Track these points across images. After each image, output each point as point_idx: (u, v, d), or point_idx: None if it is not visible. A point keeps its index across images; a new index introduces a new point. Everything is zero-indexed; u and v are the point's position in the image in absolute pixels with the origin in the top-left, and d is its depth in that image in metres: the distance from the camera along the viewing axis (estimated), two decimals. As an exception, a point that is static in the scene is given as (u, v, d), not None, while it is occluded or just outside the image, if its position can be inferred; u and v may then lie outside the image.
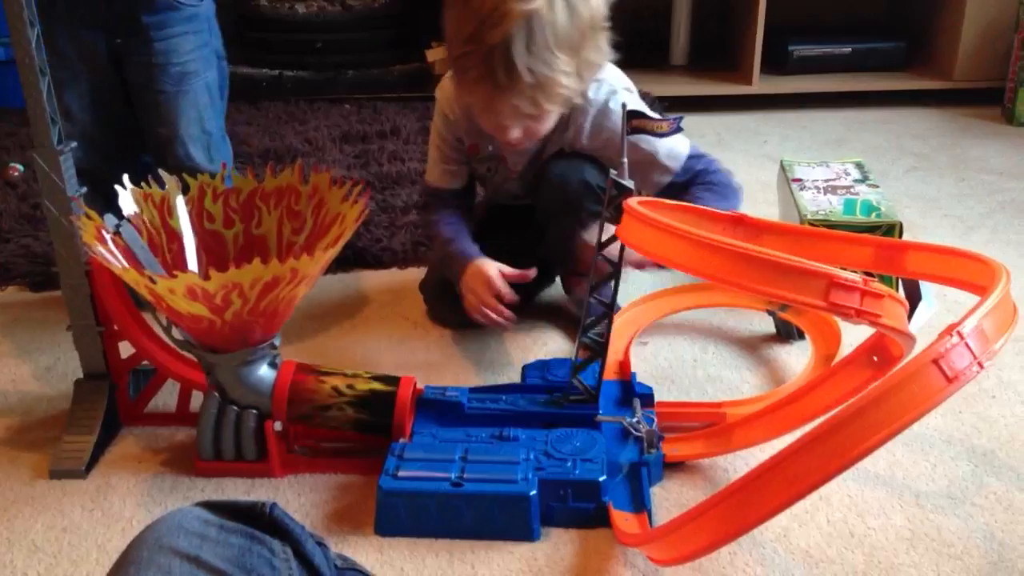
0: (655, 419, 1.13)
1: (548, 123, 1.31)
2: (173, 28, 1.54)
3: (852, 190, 1.51)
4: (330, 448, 1.14)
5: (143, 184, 1.15)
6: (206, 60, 1.60)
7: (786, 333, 1.41)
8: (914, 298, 1.31)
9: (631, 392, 1.19)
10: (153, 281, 0.96)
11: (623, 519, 0.99)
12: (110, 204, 1.13)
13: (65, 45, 1.50)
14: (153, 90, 1.54)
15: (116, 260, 1.02)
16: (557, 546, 0.99)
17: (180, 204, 1.15)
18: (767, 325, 1.44)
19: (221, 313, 1.00)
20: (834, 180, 1.56)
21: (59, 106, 1.47)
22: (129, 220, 1.10)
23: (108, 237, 1.05)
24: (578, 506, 1.01)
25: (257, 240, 1.17)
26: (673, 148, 1.38)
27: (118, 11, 1.50)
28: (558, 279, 1.55)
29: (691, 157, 1.39)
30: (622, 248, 1.08)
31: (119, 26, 1.51)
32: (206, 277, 0.95)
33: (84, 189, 1.13)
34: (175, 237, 1.15)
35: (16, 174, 2.10)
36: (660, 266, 1.36)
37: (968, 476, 1.09)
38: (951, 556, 0.96)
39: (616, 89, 1.39)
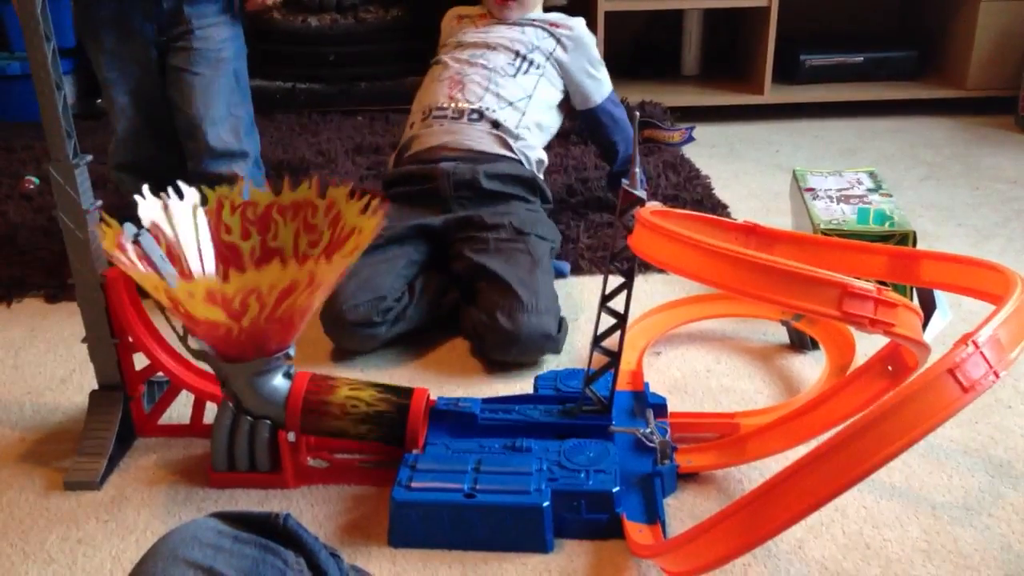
0: (668, 430, 1.13)
1: None
2: (209, 18, 1.71)
3: (865, 199, 1.51)
4: (343, 459, 1.14)
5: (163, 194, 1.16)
6: (237, 48, 1.77)
7: (800, 343, 1.40)
8: (928, 307, 1.30)
9: (644, 403, 1.19)
10: (172, 285, 0.97)
11: (637, 530, 0.99)
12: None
13: (114, 46, 1.68)
14: (189, 72, 1.70)
15: (136, 266, 1.03)
16: (571, 557, 0.98)
17: (199, 215, 1.16)
18: (780, 335, 1.44)
19: (239, 318, 1.00)
20: (847, 189, 1.56)
21: (113, 105, 1.72)
22: (148, 230, 1.11)
23: (128, 246, 1.06)
24: (592, 517, 1.00)
25: (273, 252, 1.17)
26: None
27: (167, 7, 1.67)
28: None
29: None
30: (634, 259, 1.08)
31: (167, 21, 1.68)
32: (225, 281, 0.96)
33: (100, 202, 1.14)
34: (193, 248, 1.15)
35: (32, 187, 2.12)
36: None
37: (985, 487, 1.08)
38: (968, 568, 0.95)
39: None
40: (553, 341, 1.37)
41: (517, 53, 1.74)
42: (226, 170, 1.69)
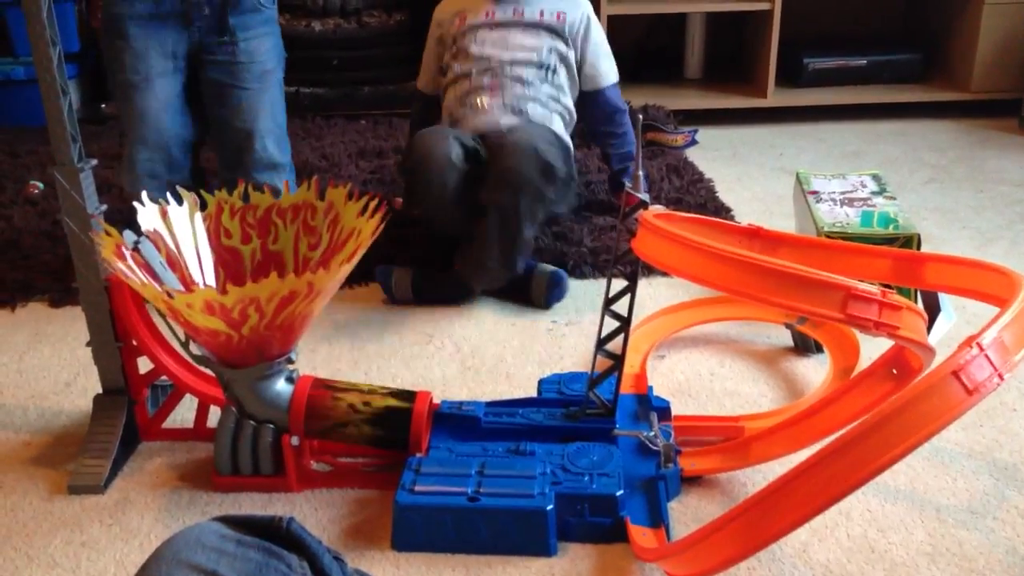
0: (672, 433, 1.13)
1: None
2: (255, 29, 1.71)
3: (869, 202, 1.51)
4: (347, 463, 1.14)
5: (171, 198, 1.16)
6: (279, 58, 1.78)
7: (804, 346, 1.40)
8: (933, 310, 1.30)
9: (648, 406, 1.18)
10: (171, 296, 0.97)
11: (640, 534, 0.99)
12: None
13: (143, 46, 1.66)
14: (237, 88, 1.69)
15: (135, 275, 1.03)
16: (574, 561, 0.98)
17: (198, 221, 1.16)
18: (785, 338, 1.44)
19: (238, 327, 1.01)
20: (851, 192, 1.56)
21: (135, 110, 1.68)
22: (147, 236, 1.11)
23: (127, 253, 1.06)
24: (595, 521, 1.00)
25: (274, 256, 1.17)
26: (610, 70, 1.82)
27: (209, 12, 1.66)
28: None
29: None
30: (638, 262, 1.08)
31: (209, 27, 1.68)
32: (223, 292, 0.96)
33: (104, 207, 1.14)
34: (192, 253, 1.15)
35: (36, 191, 2.13)
36: None
37: (990, 490, 1.08)
38: (973, 571, 0.95)
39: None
40: (550, 169, 1.45)
41: (540, 64, 1.74)
42: (269, 182, 1.68)
